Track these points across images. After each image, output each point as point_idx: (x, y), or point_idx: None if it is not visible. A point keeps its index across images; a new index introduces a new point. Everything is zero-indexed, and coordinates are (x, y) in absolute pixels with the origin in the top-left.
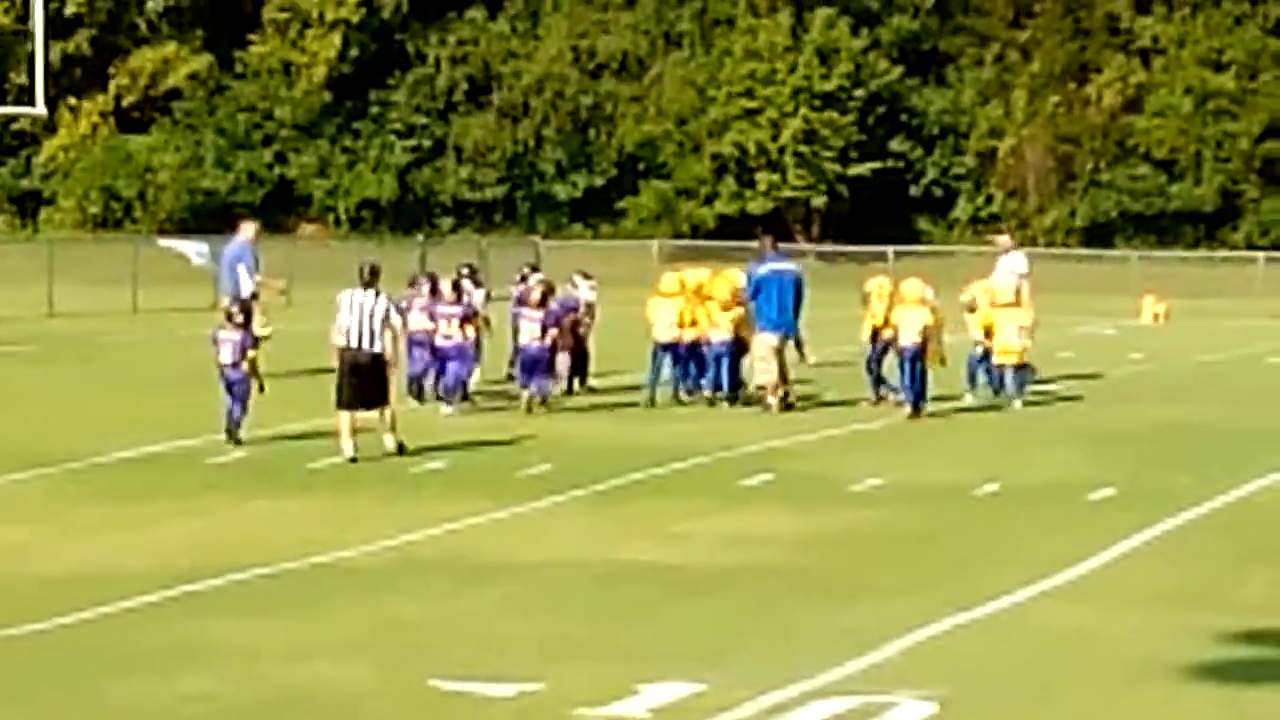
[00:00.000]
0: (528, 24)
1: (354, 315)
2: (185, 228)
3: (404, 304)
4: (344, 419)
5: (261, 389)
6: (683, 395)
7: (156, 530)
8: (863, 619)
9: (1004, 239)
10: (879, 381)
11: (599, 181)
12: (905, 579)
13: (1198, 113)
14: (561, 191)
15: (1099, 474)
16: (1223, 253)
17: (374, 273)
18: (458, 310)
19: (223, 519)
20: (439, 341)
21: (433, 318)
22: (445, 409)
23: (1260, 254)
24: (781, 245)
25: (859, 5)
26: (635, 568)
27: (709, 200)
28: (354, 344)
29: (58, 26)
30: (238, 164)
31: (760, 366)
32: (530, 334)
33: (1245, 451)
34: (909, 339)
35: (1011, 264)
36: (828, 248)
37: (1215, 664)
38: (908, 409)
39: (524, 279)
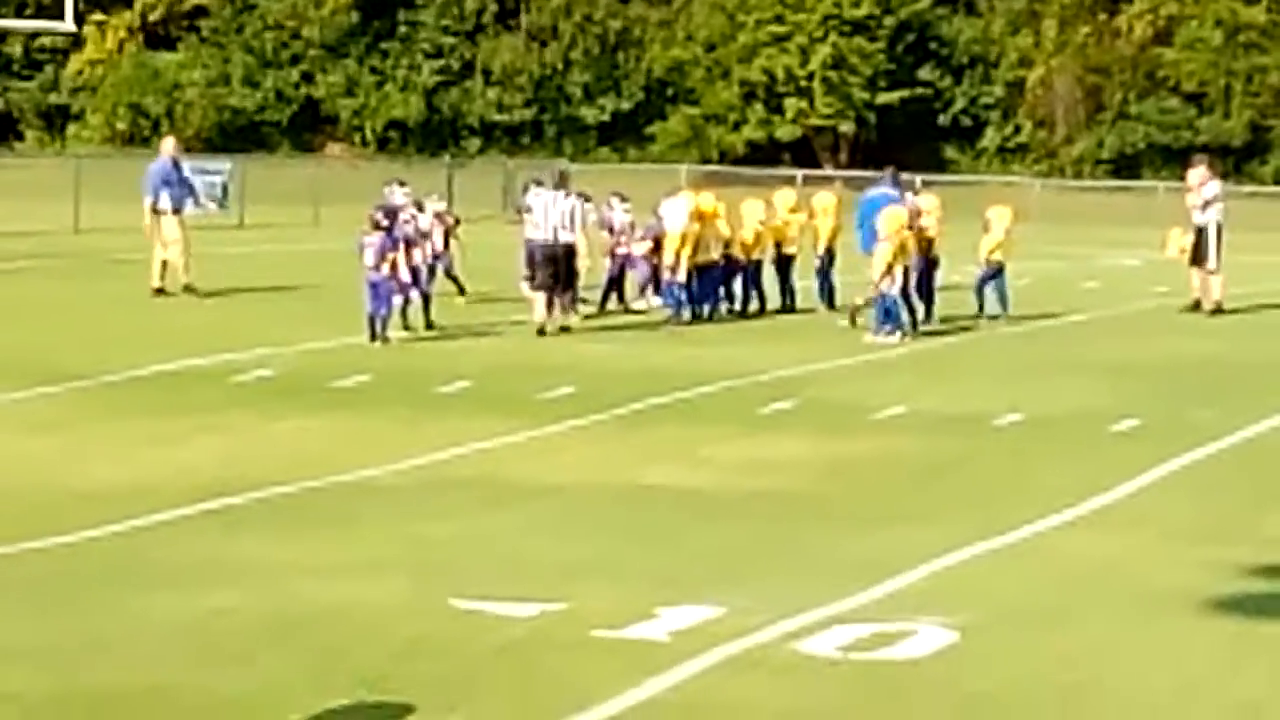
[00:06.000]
0: None
1: (548, 212)
2: (212, 145)
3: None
4: (538, 299)
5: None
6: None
7: (182, 446)
8: (883, 546)
9: (1195, 170)
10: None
11: (627, 106)
12: (927, 507)
13: (1228, 46)
14: (589, 115)
15: (1122, 405)
16: (1250, 187)
17: (564, 176)
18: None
19: (249, 436)
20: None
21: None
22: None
23: None
24: (807, 171)
25: None
26: (657, 491)
27: (737, 126)
28: (549, 238)
29: None
30: (265, 82)
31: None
32: None
33: (1269, 386)
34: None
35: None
36: (855, 174)
37: (1234, 597)
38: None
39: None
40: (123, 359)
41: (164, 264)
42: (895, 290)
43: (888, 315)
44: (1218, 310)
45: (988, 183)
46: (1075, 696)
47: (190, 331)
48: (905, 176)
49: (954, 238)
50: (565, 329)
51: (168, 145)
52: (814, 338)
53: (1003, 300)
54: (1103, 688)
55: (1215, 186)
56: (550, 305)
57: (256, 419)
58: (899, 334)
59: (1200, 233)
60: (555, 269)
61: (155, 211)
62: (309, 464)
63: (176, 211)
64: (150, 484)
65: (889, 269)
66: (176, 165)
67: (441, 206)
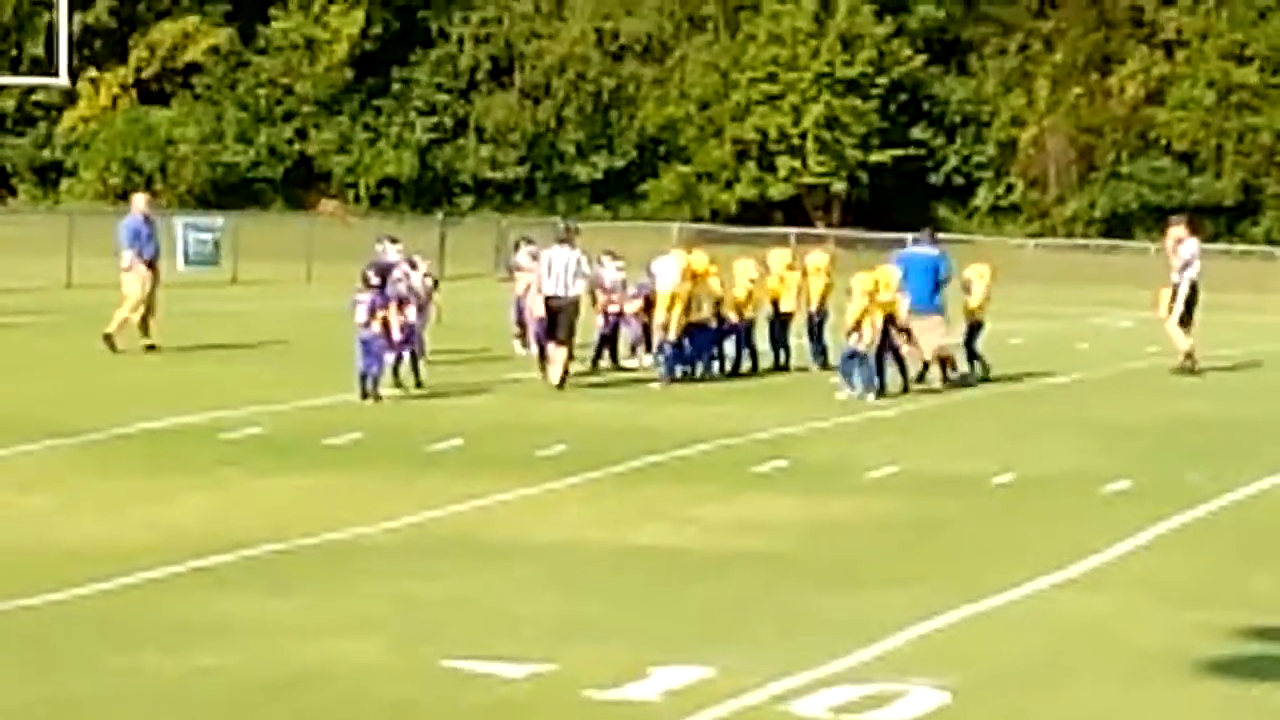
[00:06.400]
0: (551, 4)
1: (556, 267)
2: (205, 201)
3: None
4: (549, 350)
5: (415, 355)
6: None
7: (171, 504)
8: (875, 607)
9: (1173, 230)
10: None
11: (620, 163)
12: (918, 568)
13: (1220, 106)
14: (582, 172)
15: (1114, 466)
16: (1242, 247)
17: (570, 231)
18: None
19: (238, 494)
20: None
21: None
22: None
23: None
24: (800, 230)
25: None
26: (648, 551)
27: (730, 185)
28: (557, 291)
29: None
30: (259, 139)
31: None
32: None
33: (1260, 447)
34: (816, 306)
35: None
36: (847, 234)
37: (1227, 660)
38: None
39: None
40: (114, 415)
41: (144, 320)
42: (863, 346)
43: (849, 368)
44: (1190, 366)
45: (979, 242)
46: None
47: (181, 388)
48: (911, 236)
49: None
50: (561, 385)
51: (139, 201)
52: (806, 397)
53: (978, 357)
54: None
55: (1193, 246)
56: (553, 356)
57: (247, 476)
58: (856, 390)
59: (1177, 290)
60: (557, 322)
61: (146, 264)
62: (300, 522)
63: (150, 266)
64: (139, 542)
65: (857, 325)
66: (148, 221)
67: (425, 266)
